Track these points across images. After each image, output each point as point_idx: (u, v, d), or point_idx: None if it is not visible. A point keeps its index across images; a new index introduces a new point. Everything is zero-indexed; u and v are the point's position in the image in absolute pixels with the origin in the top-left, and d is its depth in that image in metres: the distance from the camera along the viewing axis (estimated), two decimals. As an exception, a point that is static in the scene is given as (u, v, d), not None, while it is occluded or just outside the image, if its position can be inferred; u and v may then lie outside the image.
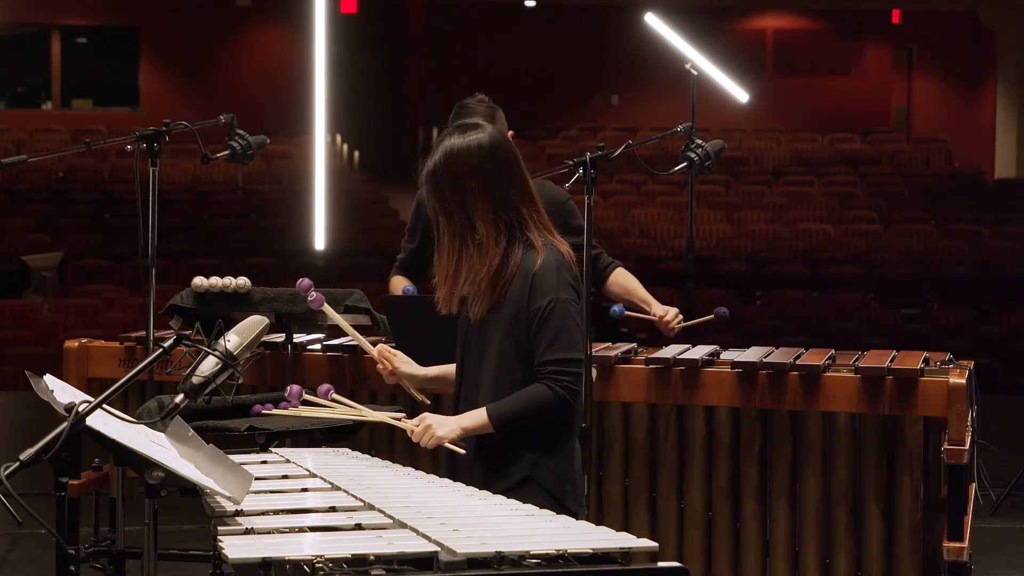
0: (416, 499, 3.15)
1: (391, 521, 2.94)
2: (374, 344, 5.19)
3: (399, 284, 5.44)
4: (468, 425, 3.65)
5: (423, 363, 4.04)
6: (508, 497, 3.25)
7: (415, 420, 3.72)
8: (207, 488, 2.99)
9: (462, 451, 3.64)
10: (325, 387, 3.98)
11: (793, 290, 15.38)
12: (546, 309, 3.62)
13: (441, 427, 3.66)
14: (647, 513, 4.81)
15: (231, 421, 4.42)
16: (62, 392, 3.04)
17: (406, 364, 3.98)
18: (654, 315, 5.22)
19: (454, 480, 3.57)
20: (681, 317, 5.23)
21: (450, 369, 3.90)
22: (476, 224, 3.66)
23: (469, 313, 3.71)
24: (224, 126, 5.24)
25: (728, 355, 4.90)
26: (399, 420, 3.82)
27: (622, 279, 5.31)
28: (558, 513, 3.04)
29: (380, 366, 4.01)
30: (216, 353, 3.14)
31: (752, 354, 4.84)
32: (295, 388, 3.96)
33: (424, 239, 5.44)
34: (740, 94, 18.85)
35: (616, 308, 5.24)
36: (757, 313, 14.97)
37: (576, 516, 3.37)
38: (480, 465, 3.70)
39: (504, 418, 3.62)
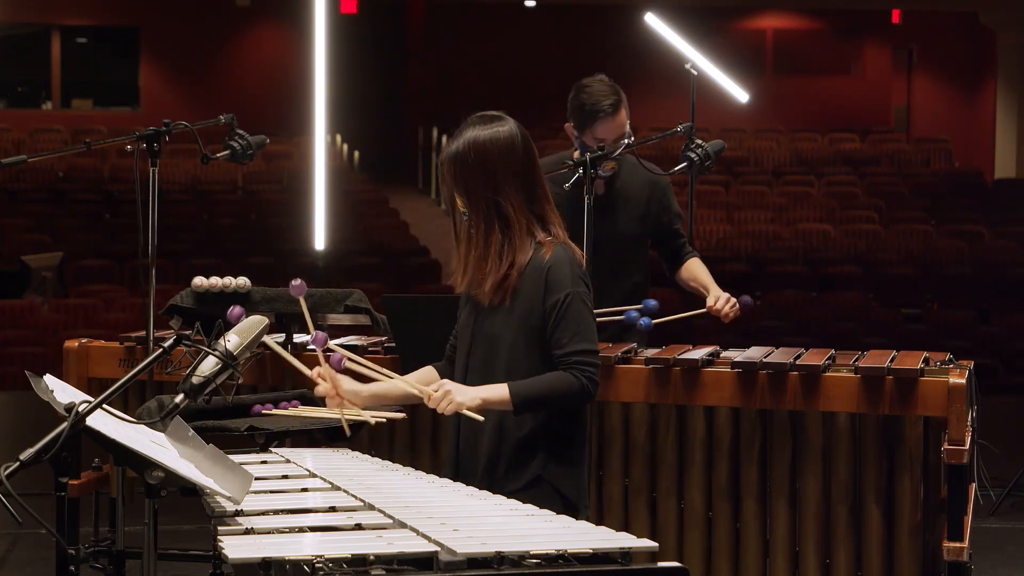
0: (416, 499, 3.15)
1: (391, 521, 2.94)
2: (379, 344, 5.21)
3: None
4: (488, 396, 3.58)
5: (422, 362, 4.02)
6: (518, 498, 3.22)
7: (434, 385, 3.62)
8: (207, 488, 2.99)
9: (480, 419, 3.57)
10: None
11: (793, 290, 15.37)
12: (564, 303, 3.60)
13: (461, 394, 3.58)
14: (647, 513, 4.80)
15: (231, 421, 4.42)
16: (62, 392, 3.04)
17: (349, 382, 3.77)
18: (707, 303, 5.28)
19: (457, 478, 3.55)
20: (735, 303, 5.25)
21: (393, 386, 3.75)
22: (507, 212, 3.64)
23: (482, 300, 3.67)
24: (224, 126, 5.24)
25: (728, 355, 4.89)
26: (415, 386, 3.68)
27: (694, 268, 5.45)
28: (573, 517, 2.98)
29: (319, 387, 3.75)
30: (216, 353, 3.14)
31: (752, 354, 4.84)
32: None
33: None
34: (740, 94, 18.85)
35: (644, 321, 5.18)
36: (757, 313, 14.97)
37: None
38: (489, 463, 3.66)
39: (525, 397, 3.57)
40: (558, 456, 3.65)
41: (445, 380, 3.66)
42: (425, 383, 3.73)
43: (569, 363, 3.60)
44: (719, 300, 5.26)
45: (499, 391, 3.59)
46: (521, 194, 3.66)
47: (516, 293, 3.64)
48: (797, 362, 4.69)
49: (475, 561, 2.64)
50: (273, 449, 3.87)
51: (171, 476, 2.94)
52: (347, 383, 3.77)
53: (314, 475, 3.45)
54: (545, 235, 3.67)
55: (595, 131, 5.19)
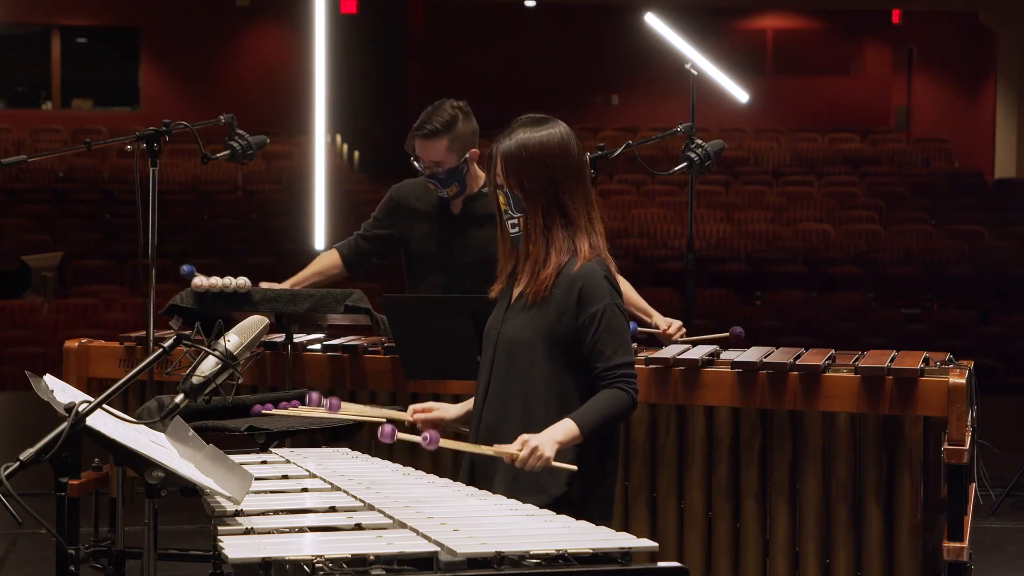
0: (416, 499, 3.15)
1: (391, 521, 2.94)
2: (379, 344, 5.21)
3: (331, 258, 5.36)
4: (563, 439, 3.51)
5: (422, 362, 4.01)
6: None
7: (516, 444, 3.51)
8: (207, 488, 2.99)
9: (574, 468, 3.52)
10: (390, 428, 3.61)
11: (793, 290, 15.37)
12: (603, 314, 3.59)
13: (546, 447, 3.48)
14: (647, 513, 4.81)
15: (231, 421, 4.42)
16: (62, 392, 3.04)
17: (444, 410, 3.82)
18: (656, 327, 5.20)
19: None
20: (684, 330, 5.22)
21: (478, 447, 3.65)
22: (568, 209, 3.64)
23: (525, 296, 3.63)
24: (224, 126, 5.24)
25: (728, 355, 4.90)
26: (499, 450, 3.55)
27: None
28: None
29: (420, 425, 3.80)
30: (216, 353, 3.14)
31: (752, 354, 4.84)
32: (387, 428, 3.60)
33: (388, 240, 5.41)
34: (740, 94, 18.84)
35: (739, 330, 5.18)
36: (757, 313, 14.96)
37: None
38: (509, 478, 3.58)
39: (593, 426, 3.54)
40: (585, 472, 3.58)
41: (525, 435, 3.51)
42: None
43: (615, 377, 3.59)
44: (672, 326, 5.18)
45: (568, 429, 3.52)
46: (578, 194, 3.66)
47: (547, 300, 3.62)
48: (797, 362, 4.70)
49: (475, 561, 2.64)
50: (273, 449, 3.87)
51: (171, 476, 2.94)
52: (444, 411, 3.83)
53: (314, 475, 3.45)
54: (584, 243, 3.65)
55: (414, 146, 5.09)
